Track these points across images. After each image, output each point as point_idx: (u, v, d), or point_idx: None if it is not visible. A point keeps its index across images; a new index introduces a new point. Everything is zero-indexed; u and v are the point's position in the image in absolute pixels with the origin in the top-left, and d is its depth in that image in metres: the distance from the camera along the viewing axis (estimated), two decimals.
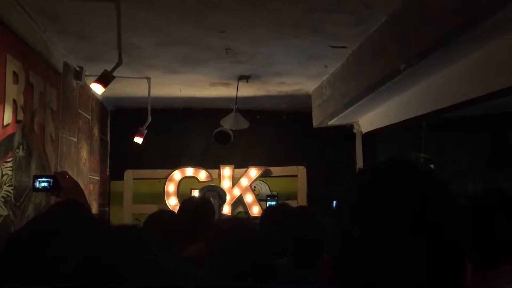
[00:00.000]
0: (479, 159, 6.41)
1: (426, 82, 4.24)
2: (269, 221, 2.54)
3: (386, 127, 5.47)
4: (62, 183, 2.01)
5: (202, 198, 3.06)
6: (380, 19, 3.61)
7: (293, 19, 3.64)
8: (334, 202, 3.37)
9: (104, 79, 3.33)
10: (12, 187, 3.16)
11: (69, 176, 2.10)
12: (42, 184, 2.05)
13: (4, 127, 3.04)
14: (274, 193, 6.96)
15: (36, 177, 2.08)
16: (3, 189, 3.04)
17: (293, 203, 6.72)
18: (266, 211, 2.98)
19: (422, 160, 5.23)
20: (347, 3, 3.32)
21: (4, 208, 3.05)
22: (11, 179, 3.15)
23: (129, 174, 6.70)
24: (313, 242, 2.01)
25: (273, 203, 3.93)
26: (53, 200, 2.14)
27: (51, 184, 2.04)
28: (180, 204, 3.04)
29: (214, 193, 5.52)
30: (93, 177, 5.86)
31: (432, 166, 2.74)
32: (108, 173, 6.76)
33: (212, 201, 5.29)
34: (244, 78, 5.29)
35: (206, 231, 2.82)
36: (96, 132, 6.02)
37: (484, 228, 2.43)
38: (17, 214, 3.24)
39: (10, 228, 3.13)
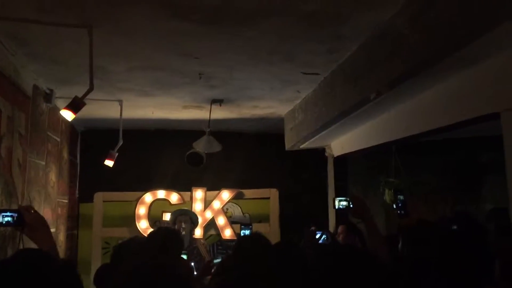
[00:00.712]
0: (449, 180, 6.54)
1: (395, 110, 4.33)
2: (243, 254, 2.52)
3: (357, 151, 5.55)
4: (26, 218, 1.94)
5: (169, 231, 3.00)
6: (351, 48, 3.68)
7: (267, 47, 3.68)
8: (319, 234, 3.38)
9: (75, 106, 3.28)
10: None
11: (34, 210, 2.03)
12: (6, 219, 1.98)
13: None
14: (247, 215, 6.94)
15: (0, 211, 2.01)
16: None
17: (265, 226, 6.75)
18: (240, 243, 2.95)
19: (388, 184, 5.33)
20: (319, 34, 3.38)
21: None
22: None
23: (99, 196, 6.58)
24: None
25: (247, 232, 3.90)
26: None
27: (15, 218, 1.97)
28: (147, 236, 2.98)
29: (186, 217, 5.45)
30: (61, 200, 5.73)
31: (401, 191, 2.78)
32: (77, 196, 6.61)
33: (184, 226, 5.28)
34: (217, 101, 5.30)
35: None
36: (65, 154, 5.90)
37: (452, 252, 2.48)
38: None
39: None
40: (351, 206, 2.72)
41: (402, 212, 2.63)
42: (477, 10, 2.29)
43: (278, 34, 3.41)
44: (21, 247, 1.93)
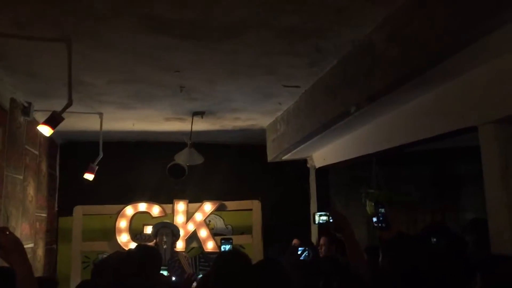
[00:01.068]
0: (428, 190, 6.61)
1: (376, 122, 4.37)
2: (222, 272, 2.50)
3: (338, 162, 5.58)
4: (1, 240, 1.90)
5: (147, 249, 2.96)
6: (331, 62, 3.71)
7: (247, 61, 3.69)
8: (300, 250, 3.38)
9: (53, 121, 3.24)
10: None
11: (10, 232, 1.99)
12: None
13: None
14: (229, 227, 6.91)
15: None
16: None
17: (248, 237, 6.73)
18: (220, 259, 2.91)
19: (369, 196, 5.36)
20: (299, 47, 3.40)
21: None
22: None
23: (78, 210, 6.49)
24: None
25: (228, 246, 3.86)
26: None
27: None
28: (126, 253, 2.94)
29: (167, 230, 5.39)
30: (40, 214, 5.62)
31: (382, 204, 2.79)
32: (56, 209, 6.51)
33: (165, 239, 5.23)
34: (198, 114, 5.29)
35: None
36: (44, 167, 5.80)
37: (433, 265, 2.50)
38: None
39: None
40: (331, 220, 2.73)
41: (383, 225, 2.62)
42: (452, 27, 2.32)
43: (258, 48, 3.42)
44: None
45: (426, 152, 5.74)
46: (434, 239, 3.16)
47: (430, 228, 3.77)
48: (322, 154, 5.98)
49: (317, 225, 2.87)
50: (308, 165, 6.49)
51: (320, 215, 2.83)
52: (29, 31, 3.02)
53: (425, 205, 6.45)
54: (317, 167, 6.30)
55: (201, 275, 4.48)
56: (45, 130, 3.31)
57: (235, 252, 3.25)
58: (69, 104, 3.22)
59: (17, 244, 1.94)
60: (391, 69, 2.90)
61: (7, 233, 1.94)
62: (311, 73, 4.00)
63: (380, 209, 2.64)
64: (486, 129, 2.92)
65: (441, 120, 3.46)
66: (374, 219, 2.73)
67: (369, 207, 5.75)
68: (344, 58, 3.55)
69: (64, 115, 4.70)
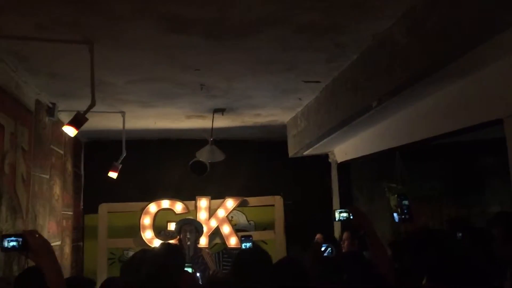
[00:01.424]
0: (452, 184, 6.51)
1: (398, 116, 4.33)
2: (244, 271, 2.50)
3: (360, 157, 5.54)
4: (31, 243, 1.96)
5: (170, 248, 2.99)
6: (351, 57, 3.68)
7: (266, 58, 3.68)
8: (324, 246, 3.36)
9: (77, 122, 3.30)
10: None
11: (39, 235, 2.04)
12: (11, 244, 1.99)
13: None
14: (251, 223, 6.93)
15: (4, 236, 2.02)
16: None
17: (270, 233, 6.74)
18: (241, 256, 2.93)
19: (391, 190, 5.31)
20: (319, 43, 3.38)
21: None
22: None
23: (103, 207, 6.59)
24: None
25: (248, 244, 3.88)
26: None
27: (20, 243, 1.99)
28: (150, 253, 2.97)
29: (191, 226, 5.43)
30: (66, 212, 5.74)
31: (405, 196, 2.74)
32: (82, 207, 6.63)
33: (189, 235, 5.27)
34: (219, 111, 5.31)
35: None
36: (69, 166, 5.91)
37: (459, 261, 2.46)
38: None
39: None
40: (351, 217, 2.71)
41: (406, 217, 2.57)
42: (475, 18, 2.28)
43: (277, 45, 3.42)
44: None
45: (450, 145, 5.65)
46: (460, 234, 3.12)
47: (455, 222, 3.71)
48: (344, 148, 5.94)
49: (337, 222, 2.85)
50: (330, 160, 6.46)
51: (340, 212, 2.80)
52: (51, 33, 3.07)
53: (450, 199, 6.36)
54: (338, 162, 6.27)
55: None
56: (70, 131, 3.38)
57: (255, 249, 3.26)
58: (92, 105, 3.28)
59: (47, 246, 1.99)
60: (412, 63, 2.86)
61: (36, 235, 2.00)
62: (331, 68, 3.98)
63: (403, 201, 2.59)
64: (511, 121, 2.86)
65: (466, 113, 3.41)
66: (395, 215, 2.70)
67: (392, 201, 5.71)
68: (364, 53, 3.52)
69: (87, 115, 4.83)
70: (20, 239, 1.99)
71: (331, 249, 3.37)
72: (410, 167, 5.97)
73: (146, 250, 3.51)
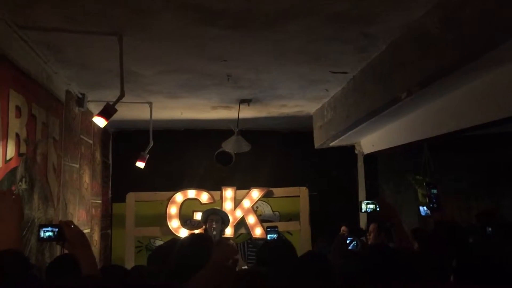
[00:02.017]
0: (482, 177, 6.39)
1: (426, 108, 4.26)
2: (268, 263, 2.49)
3: (387, 149, 5.48)
4: (67, 233, 2.00)
5: (199, 238, 3.01)
6: (380, 47, 3.62)
7: (293, 48, 3.66)
8: (349, 240, 3.35)
9: (106, 113, 3.35)
10: None
11: (75, 225, 2.09)
12: (47, 234, 2.04)
13: (6, 161, 3.04)
14: (276, 213, 6.95)
15: (41, 226, 2.07)
16: None
17: (295, 224, 6.74)
18: (266, 247, 2.92)
19: (418, 182, 5.24)
20: (346, 33, 3.34)
21: None
22: None
23: (131, 196, 6.70)
24: None
25: (274, 235, 3.88)
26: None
27: (56, 233, 2.04)
28: (179, 242, 3.00)
29: (217, 216, 5.48)
30: (95, 201, 5.85)
31: (434, 185, 2.68)
32: (110, 196, 6.75)
33: (214, 225, 5.32)
34: (245, 101, 5.31)
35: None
36: (98, 155, 6.02)
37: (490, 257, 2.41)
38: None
39: None
40: (378, 209, 2.67)
41: (435, 205, 2.51)
42: (510, 10, 2.21)
43: (305, 35, 3.38)
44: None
45: (479, 137, 5.53)
46: (490, 229, 3.06)
47: (484, 216, 3.64)
48: (371, 140, 5.88)
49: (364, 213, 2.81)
50: (356, 152, 6.41)
51: (367, 204, 2.77)
52: (82, 25, 3.11)
53: (479, 192, 6.24)
54: (365, 154, 6.21)
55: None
56: (100, 122, 3.43)
57: (280, 241, 3.25)
58: (121, 96, 3.32)
59: (82, 237, 2.04)
60: (444, 54, 2.80)
61: (72, 226, 2.04)
62: (359, 59, 3.93)
63: (432, 190, 2.54)
64: None
65: (497, 105, 3.33)
66: (421, 208, 2.64)
67: (420, 194, 5.64)
68: (394, 43, 3.46)
69: (116, 108, 4.90)
70: (56, 229, 2.04)
71: (356, 242, 3.35)
72: (438, 159, 5.86)
73: (176, 240, 3.56)
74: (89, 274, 1.91)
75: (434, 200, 2.48)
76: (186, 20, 3.08)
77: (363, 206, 2.78)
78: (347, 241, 3.33)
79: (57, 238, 2.04)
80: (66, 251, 2.20)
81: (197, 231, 5.83)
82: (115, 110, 3.41)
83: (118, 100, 3.34)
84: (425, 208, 4.91)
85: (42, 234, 2.05)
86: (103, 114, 3.37)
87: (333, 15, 3.04)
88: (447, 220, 2.33)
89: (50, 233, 2.04)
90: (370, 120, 4.51)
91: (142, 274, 2.93)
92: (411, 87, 3.31)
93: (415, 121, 4.61)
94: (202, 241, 3.08)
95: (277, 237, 3.89)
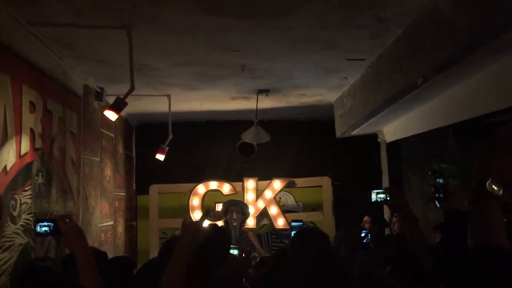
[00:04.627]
0: None
1: (448, 94, 4.12)
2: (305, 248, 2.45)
3: (410, 136, 5.34)
4: (62, 228, 2.02)
5: (215, 230, 2.99)
6: (396, 32, 3.51)
7: (306, 36, 3.58)
8: (364, 232, 3.25)
9: (117, 106, 3.36)
10: (31, 215, 3.22)
11: (70, 220, 2.10)
12: (43, 229, 2.07)
13: (21, 156, 3.10)
14: (300, 204, 6.89)
15: (37, 221, 2.10)
16: (22, 218, 3.10)
17: (319, 214, 6.67)
18: (300, 236, 2.84)
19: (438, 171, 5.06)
20: (359, 19, 3.24)
21: (24, 236, 3.11)
22: (30, 207, 3.21)
23: (154, 188, 6.77)
24: None
25: (300, 223, 3.82)
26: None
27: (51, 228, 2.06)
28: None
29: (237, 207, 5.49)
30: (118, 193, 5.94)
31: (441, 174, 2.46)
32: (134, 188, 6.84)
33: (235, 216, 5.32)
34: (263, 92, 5.26)
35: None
36: (120, 148, 6.10)
37: None
38: (38, 241, 3.29)
39: (30, 255, 3.20)
40: (389, 199, 2.54)
41: (441, 195, 2.34)
42: None
43: (317, 22, 3.31)
44: (59, 254, 2.02)
45: (508, 121, 5.32)
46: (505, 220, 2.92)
47: (508, 205, 3.48)
48: (393, 128, 5.75)
49: (373, 204, 2.65)
50: (379, 140, 6.28)
51: (377, 193, 2.62)
52: (90, 20, 3.12)
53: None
54: (388, 142, 6.08)
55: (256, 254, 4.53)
56: (111, 115, 3.46)
57: (316, 230, 3.17)
58: (131, 90, 3.32)
59: (77, 231, 2.05)
60: (458, 37, 2.68)
61: (68, 220, 2.06)
62: (375, 45, 3.82)
63: (438, 179, 2.36)
64: None
65: None
66: (433, 189, 2.46)
67: (449, 183, 5.47)
68: (409, 28, 3.34)
69: (134, 98, 4.92)
70: (52, 224, 2.05)
71: (370, 236, 3.27)
72: (464, 146, 5.68)
73: None
74: (84, 270, 1.93)
75: (440, 190, 2.32)
76: (193, 10, 3.05)
77: (373, 196, 2.64)
78: (362, 234, 3.26)
79: (53, 232, 2.06)
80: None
81: (219, 223, 5.83)
82: (126, 104, 3.42)
83: (128, 93, 3.35)
84: None
85: (38, 229, 2.07)
86: (114, 107, 3.39)
87: (343, 0, 2.95)
88: (456, 208, 2.19)
89: (46, 228, 2.06)
90: (389, 108, 4.40)
91: (154, 268, 2.94)
92: (426, 72, 3.19)
93: (437, 107, 4.47)
94: (219, 233, 3.07)
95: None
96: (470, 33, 2.59)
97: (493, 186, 1.27)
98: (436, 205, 2.38)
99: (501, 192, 1.27)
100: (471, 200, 1.33)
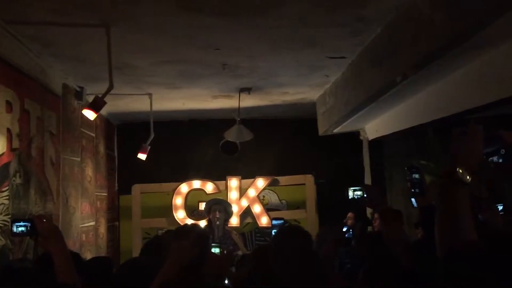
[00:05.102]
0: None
1: (428, 91, 4.16)
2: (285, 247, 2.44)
3: (391, 133, 5.38)
4: (38, 228, 1.99)
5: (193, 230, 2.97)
6: (376, 30, 3.53)
7: (287, 35, 3.58)
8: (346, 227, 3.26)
9: (96, 105, 3.32)
10: (9, 216, 3.17)
11: (47, 219, 2.08)
12: (20, 229, 2.04)
13: None
14: (283, 202, 6.91)
15: (14, 221, 2.07)
16: (0, 219, 3.05)
17: (302, 212, 6.69)
18: (280, 234, 2.84)
19: (425, 168, 5.11)
20: (339, 18, 3.25)
21: (1, 238, 3.06)
22: (7, 208, 3.16)
23: (136, 188, 6.72)
24: None
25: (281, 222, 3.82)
26: None
27: (28, 228, 2.03)
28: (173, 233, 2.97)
29: (220, 206, 5.48)
30: (100, 193, 5.88)
31: (416, 169, 2.44)
32: (116, 188, 6.78)
33: (218, 215, 5.30)
34: (245, 90, 5.26)
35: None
36: (102, 148, 6.03)
37: None
38: (16, 242, 3.24)
39: (8, 256, 3.14)
40: (365, 196, 2.55)
41: (417, 191, 2.33)
42: None
43: (296, 21, 3.31)
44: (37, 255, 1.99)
45: (488, 118, 5.40)
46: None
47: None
48: (375, 125, 5.79)
49: (350, 201, 2.66)
50: (361, 137, 6.32)
51: (354, 190, 2.64)
52: (69, 17, 3.08)
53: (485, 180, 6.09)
54: (370, 139, 6.12)
55: (240, 253, 4.52)
56: (89, 114, 3.42)
57: (297, 228, 3.17)
58: (110, 88, 3.29)
59: (54, 231, 2.02)
60: (435, 35, 2.71)
61: (44, 220, 2.03)
62: (355, 43, 3.83)
63: (413, 175, 2.35)
64: None
65: (496, 85, 3.22)
66: (413, 200, 2.47)
67: (426, 179, 5.52)
68: (388, 26, 3.36)
69: (115, 97, 4.88)
70: (29, 224, 2.02)
71: (352, 232, 3.28)
72: (444, 143, 5.74)
73: (170, 231, 3.54)
74: (61, 270, 1.91)
75: (416, 185, 2.31)
76: (173, 9, 3.02)
77: (350, 193, 2.66)
78: (344, 229, 3.28)
79: (29, 232, 2.03)
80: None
81: (202, 222, 5.82)
82: (105, 103, 3.38)
83: (107, 92, 3.32)
84: None
85: (14, 229, 2.04)
86: (92, 106, 3.35)
87: None
88: (432, 204, 2.19)
89: (23, 228, 2.03)
90: (370, 105, 4.43)
91: (135, 265, 2.91)
92: (406, 70, 3.22)
93: (417, 105, 4.51)
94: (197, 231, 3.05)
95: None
96: (448, 30, 2.62)
97: (462, 173, 1.34)
98: (412, 202, 2.38)
99: (469, 178, 1.34)
100: (439, 191, 1.37)
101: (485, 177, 2.20)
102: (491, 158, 1.58)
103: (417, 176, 2.25)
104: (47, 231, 1.99)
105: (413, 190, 2.24)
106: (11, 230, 2.06)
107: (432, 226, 2.23)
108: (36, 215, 2.04)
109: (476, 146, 1.42)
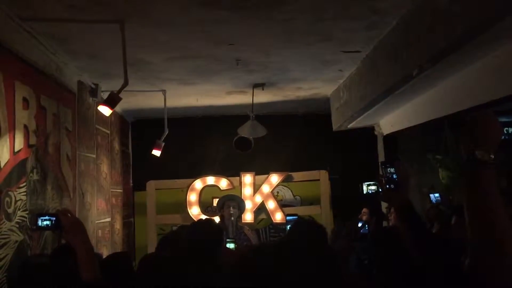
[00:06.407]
0: (504, 154, 6.15)
1: (443, 84, 4.10)
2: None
3: (407, 128, 5.33)
4: (63, 222, 2.02)
5: (206, 225, 2.96)
6: (391, 23, 3.49)
7: (301, 29, 3.56)
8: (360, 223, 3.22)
9: (111, 101, 3.34)
10: (27, 212, 3.21)
11: (71, 214, 2.11)
12: (45, 223, 2.09)
13: (15, 153, 3.08)
14: (298, 198, 6.89)
15: (38, 215, 2.12)
16: (18, 215, 3.08)
17: (317, 208, 6.66)
18: (296, 228, 2.81)
19: (439, 162, 5.06)
20: (354, 10, 3.22)
21: (19, 233, 3.09)
22: (25, 204, 3.19)
23: (151, 184, 6.75)
24: None
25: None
26: None
27: (53, 222, 2.08)
28: (187, 230, 2.97)
29: (234, 202, 5.47)
30: (115, 190, 5.92)
31: (391, 164, 2.27)
32: (131, 184, 6.82)
33: (232, 211, 5.30)
34: (259, 86, 5.24)
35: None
36: (116, 145, 6.07)
37: None
38: (34, 238, 3.27)
39: (26, 252, 3.18)
40: (380, 190, 2.47)
41: (392, 186, 2.14)
42: None
43: (310, 15, 3.29)
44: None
45: (506, 112, 5.31)
46: None
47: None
48: (389, 120, 5.73)
49: (364, 196, 2.56)
50: (376, 133, 6.27)
51: (369, 185, 2.54)
52: (83, 14, 3.10)
53: (502, 171, 6.01)
54: (384, 134, 6.07)
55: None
56: (105, 110, 3.43)
57: (312, 221, 3.14)
58: (125, 84, 3.30)
59: (78, 225, 2.05)
60: (452, 27, 2.67)
61: (69, 215, 2.07)
62: (370, 36, 3.80)
63: (388, 169, 2.20)
64: None
65: None
66: (432, 196, 2.39)
67: (442, 174, 5.47)
68: (404, 18, 3.32)
69: (129, 94, 4.90)
70: (53, 218, 2.07)
71: (367, 227, 3.26)
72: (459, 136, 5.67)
73: (185, 226, 3.56)
74: (85, 263, 1.93)
75: (390, 179, 2.14)
76: (186, 4, 3.02)
77: (364, 188, 2.55)
78: (359, 225, 3.25)
79: (54, 226, 2.07)
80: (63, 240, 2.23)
81: (215, 218, 5.82)
82: (120, 99, 3.40)
83: (122, 88, 3.33)
84: (436, 195, 4.71)
85: (40, 222, 2.09)
86: (108, 102, 3.37)
87: None
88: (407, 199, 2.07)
89: (48, 222, 2.07)
90: (385, 100, 4.39)
91: (150, 260, 2.93)
92: (422, 63, 3.17)
93: (433, 99, 4.46)
94: (212, 226, 3.05)
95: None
96: (466, 21, 2.58)
97: (483, 154, 1.28)
98: (430, 198, 2.30)
99: (492, 156, 1.28)
100: (463, 181, 1.33)
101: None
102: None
103: (392, 170, 2.08)
104: (70, 225, 2.02)
105: (387, 186, 2.06)
106: (36, 223, 2.10)
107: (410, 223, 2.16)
108: (60, 210, 2.07)
109: (493, 127, 1.36)
